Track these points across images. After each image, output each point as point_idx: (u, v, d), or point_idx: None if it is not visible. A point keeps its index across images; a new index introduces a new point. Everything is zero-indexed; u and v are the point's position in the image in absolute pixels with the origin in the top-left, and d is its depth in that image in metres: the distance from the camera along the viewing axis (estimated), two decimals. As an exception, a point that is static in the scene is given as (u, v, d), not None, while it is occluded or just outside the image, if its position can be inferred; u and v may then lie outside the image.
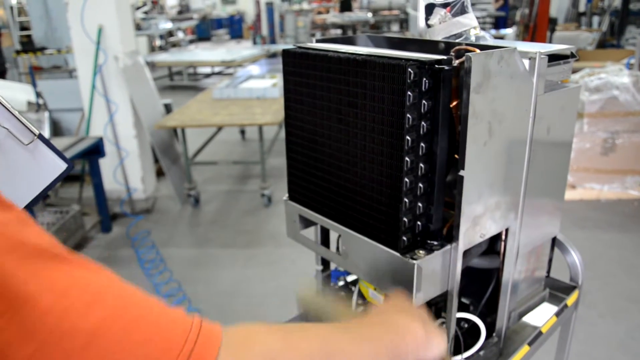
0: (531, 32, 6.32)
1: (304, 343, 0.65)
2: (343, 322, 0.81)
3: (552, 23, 7.34)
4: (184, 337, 0.52)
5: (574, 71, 4.87)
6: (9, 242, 0.45)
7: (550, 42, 6.96)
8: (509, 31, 9.45)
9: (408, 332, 0.83)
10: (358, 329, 0.79)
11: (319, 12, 16.94)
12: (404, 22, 17.27)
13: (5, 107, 0.67)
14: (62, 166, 0.74)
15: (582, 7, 10.86)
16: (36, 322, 0.43)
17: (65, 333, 0.45)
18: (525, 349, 1.22)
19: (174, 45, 15.61)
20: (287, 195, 1.25)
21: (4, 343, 0.43)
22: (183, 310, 0.56)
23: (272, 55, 10.25)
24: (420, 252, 0.98)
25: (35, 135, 0.70)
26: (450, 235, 1.00)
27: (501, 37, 9.02)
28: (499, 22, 12.52)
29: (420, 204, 0.96)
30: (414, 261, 0.95)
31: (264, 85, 5.31)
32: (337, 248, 1.17)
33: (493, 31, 10.27)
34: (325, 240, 1.25)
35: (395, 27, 17.96)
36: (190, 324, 0.54)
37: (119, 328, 0.48)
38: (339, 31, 16.18)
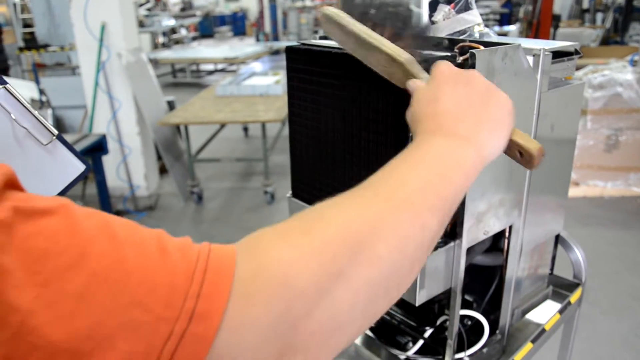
0: (534, 29, 6.30)
1: (327, 233, 0.50)
2: (372, 180, 0.59)
3: (556, 20, 7.32)
4: (189, 278, 0.42)
5: (578, 68, 4.86)
6: None
7: (553, 39, 6.95)
8: (513, 28, 9.43)
9: (462, 159, 0.63)
10: (394, 185, 0.58)
11: (322, 9, 16.90)
12: (407, 19, 17.24)
13: (25, 107, 0.66)
14: (80, 167, 0.73)
15: (585, 4, 10.83)
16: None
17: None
18: (528, 346, 1.22)
19: (177, 42, 15.61)
20: (290, 192, 1.25)
21: None
22: (188, 241, 0.48)
23: (275, 52, 10.24)
24: (424, 249, 0.97)
25: (54, 135, 0.69)
26: (453, 233, 1.00)
27: (504, 34, 9.01)
28: (503, 19, 12.49)
29: (423, 201, 0.96)
30: (418, 258, 0.95)
31: (267, 82, 5.31)
32: (341, 245, 1.17)
33: (497, 28, 10.25)
34: (328, 238, 1.25)
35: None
36: (195, 258, 0.44)
37: (107, 288, 0.39)
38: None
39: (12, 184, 0.43)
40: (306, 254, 0.47)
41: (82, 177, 0.73)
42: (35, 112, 0.67)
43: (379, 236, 0.51)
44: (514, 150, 0.74)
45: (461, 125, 0.66)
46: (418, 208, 0.55)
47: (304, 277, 0.45)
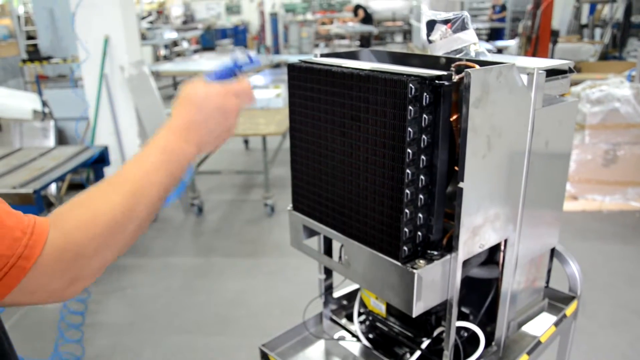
0: (533, 44, 6.35)
1: (108, 202, 0.81)
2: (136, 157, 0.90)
3: (554, 35, 7.37)
4: (23, 234, 0.69)
5: (576, 83, 4.90)
6: None
7: (552, 54, 6.99)
8: (512, 43, 9.49)
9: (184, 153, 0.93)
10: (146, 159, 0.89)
11: (323, 23, 17.04)
12: (407, 33, 17.36)
13: None
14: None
15: (584, 20, 10.91)
16: None
17: None
18: (524, 358, 1.24)
19: (179, 54, 15.68)
20: (291, 205, 1.27)
21: None
22: (19, 215, 0.72)
23: (276, 66, 10.29)
24: (421, 261, 1.00)
25: None
26: (450, 246, 1.02)
27: (501, 50, 9.08)
28: (499, 34, 12.59)
29: (420, 215, 0.99)
30: (415, 270, 0.97)
31: (267, 95, 5.35)
32: (340, 257, 1.19)
33: (484, 43, 10.29)
34: (328, 250, 1.28)
35: (398, 38, 18.05)
36: (27, 224, 0.70)
37: None
38: (343, 41, 16.26)
39: None
40: (84, 224, 0.77)
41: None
42: None
43: (127, 207, 0.82)
44: None
45: (192, 135, 0.94)
46: (152, 186, 0.86)
47: (82, 241, 0.75)
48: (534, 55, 6.30)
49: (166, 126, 0.94)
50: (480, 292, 1.25)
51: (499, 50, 9.03)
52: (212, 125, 0.96)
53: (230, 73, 1.05)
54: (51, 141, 5.18)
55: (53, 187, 4.85)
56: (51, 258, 0.71)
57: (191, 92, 0.96)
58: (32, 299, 0.74)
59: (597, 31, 10.28)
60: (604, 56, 8.42)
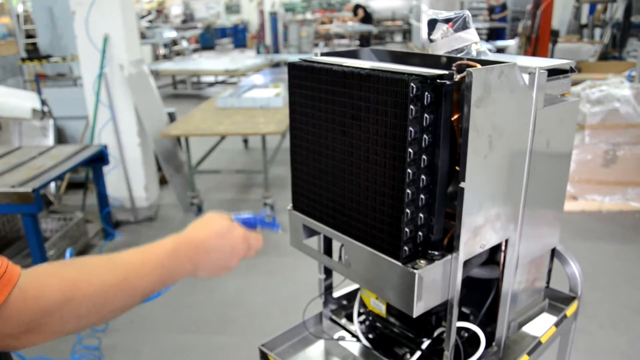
0: (533, 44, 6.35)
1: (97, 272, 0.83)
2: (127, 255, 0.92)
3: (554, 35, 7.37)
4: None
5: (576, 83, 4.90)
6: None
7: (552, 54, 7.00)
8: (512, 42, 9.49)
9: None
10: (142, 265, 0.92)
11: (322, 22, 17.04)
12: (407, 33, 17.37)
13: None
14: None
15: (584, 20, 10.91)
16: None
17: None
18: (524, 358, 1.24)
19: (178, 54, 15.69)
20: (291, 205, 1.27)
21: None
22: None
23: (276, 65, 10.29)
24: (422, 262, 1.00)
25: None
26: (450, 246, 1.02)
27: (501, 50, 9.07)
28: (500, 34, 12.58)
29: (421, 215, 0.99)
30: (415, 271, 0.97)
31: (267, 94, 5.34)
32: (340, 257, 1.19)
33: (485, 43, 10.27)
34: (328, 250, 1.27)
35: (398, 38, 18.05)
36: None
37: None
38: (343, 41, 16.26)
39: None
40: (64, 285, 0.78)
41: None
42: None
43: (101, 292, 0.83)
44: None
45: (198, 255, 0.98)
46: (142, 281, 0.90)
47: (54, 299, 0.76)
48: (533, 55, 6.30)
49: (181, 235, 0.98)
50: (480, 293, 1.24)
51: (498, 50, 9.03)
52: (218, 257, 1.01)
53: (253, 223, 1.15)
54: (50, 140, 5.17)
55: (52, 186, 4.84)
56: (17, 306, 0.73)
57: (217, 220, 1.02)
58: None
59: (597, 31, 10.29)
60: (604, 56, 8.43)
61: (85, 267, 0.85)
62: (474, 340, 1.18)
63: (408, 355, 1.25)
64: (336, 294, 1.45)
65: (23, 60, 6.87)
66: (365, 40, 15.13)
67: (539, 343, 1.29)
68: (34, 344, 0.78)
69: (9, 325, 0.73)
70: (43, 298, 0.75)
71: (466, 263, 1.03)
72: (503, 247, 1.13)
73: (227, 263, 1.02)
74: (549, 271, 1.40)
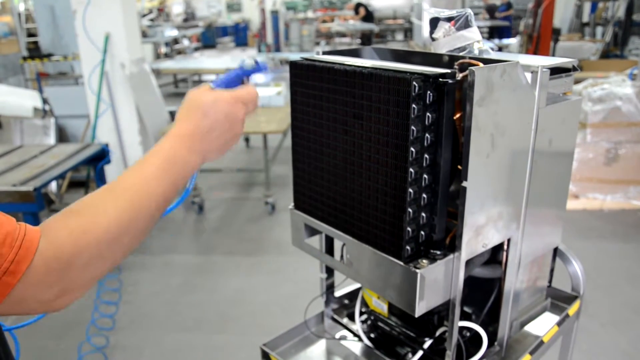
0: (535, 43, 6.35)
1: (102, 209, 0.79)
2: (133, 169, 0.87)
3: (556, 33, 7.37)
4: (10, 249, 0.68)
5: (578, 82, 4.89)
6: None
7: (553, 52, 6.99)
8: (513, 41, 9.48)
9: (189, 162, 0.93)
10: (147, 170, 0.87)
11: (324, 21, 17.02)
12: (409, 31, 17.34)
13: None
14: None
15: (585, 18, 10.90)
16: None
17: None
18: (526, 358, 1.23)
19: (180, 52, 15.68)
20: (292, 204, 1.27)
21: None
22: (13, 224, 0.71)
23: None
24: (424, 261, 0.99)
25: None
26: (453, 245, 1.01)
27: (501, 48, 9.06)
28: (503, 32, 12.54)
29: (423, 214, 0.98)
30: (417, 270, 0.97)
31: (268, 93, 5.34)
32: (342, 256, 1.19)
33: (487, 42, 10.26)
34: (329, 249, 1.27)
35: (399, 36, 18.03)
36: (16, 237, 0.69)
37: None
38: (344, 39, 16.24)
39: None
40: (76, 235, 0.75)
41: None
42: None
43: (123, 222, 0.79)
44: None
45: (197, 143, 0.93)
46: (151, 197, 0.84)
47: (73, 252, 0.73)
48: (535, 53, 6.29)
49: (170, 133, 0.92)
50: (482, 292, 1.24)
51: (500, 49, 9.02)
52: (218, 133, 0.95)
53: (237, 80, 1.03)
54: (52, 139, 5.17)
55: (53, 185, 4.84)
56: (40, 270, 0.70)
57: (197, 99, 0.94)
58: (21, 309, 0.73)
59: (599, 29, 10.27)
60: (606, 54, 8.42)
61: (88, 208, 0.80)
62: (476, 339, 1.18)
63: (410, 355, 1.25)
64: (338, 293, 1.45)
65: (24, 58, 6.88)
66: (366, 38, 15.11)
67: (541, 342, 1.28)
68: (72, 299, 0.77)
69: (39, 290, 0.72)
70: (60, 254, 0.72)
71: (468, 262, 1.03)
72: (505, 247, 1.13)
73: (232, 133, 0.97)
74: (551, 270, 1.39)
